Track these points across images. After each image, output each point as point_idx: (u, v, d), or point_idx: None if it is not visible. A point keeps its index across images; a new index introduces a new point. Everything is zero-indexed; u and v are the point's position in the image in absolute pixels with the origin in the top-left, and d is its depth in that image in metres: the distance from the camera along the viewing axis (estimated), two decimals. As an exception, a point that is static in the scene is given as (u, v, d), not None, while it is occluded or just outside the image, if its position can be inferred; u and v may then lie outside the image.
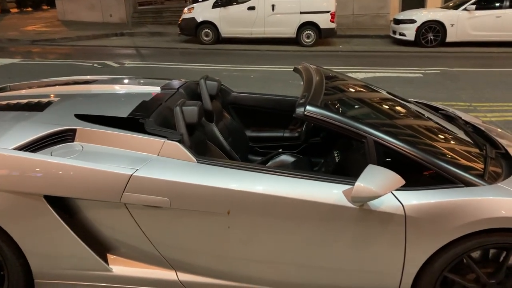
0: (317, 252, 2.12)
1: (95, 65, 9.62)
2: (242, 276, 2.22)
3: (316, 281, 2.19)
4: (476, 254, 2.19)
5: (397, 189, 2.01)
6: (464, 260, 2.11)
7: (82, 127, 2.31)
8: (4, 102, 2.74)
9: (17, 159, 2.11)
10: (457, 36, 11.42)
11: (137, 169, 2.09)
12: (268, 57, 10.74)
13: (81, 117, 2.41)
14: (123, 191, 2.07)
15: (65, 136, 2.29)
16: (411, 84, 7.81)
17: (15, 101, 2.74)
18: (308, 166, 3.08)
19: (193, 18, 12.23)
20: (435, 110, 3.25)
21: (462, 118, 3.13)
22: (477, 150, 2.47)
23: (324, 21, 11.79)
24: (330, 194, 2.04)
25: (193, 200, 2.07)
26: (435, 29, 11.47)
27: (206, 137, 2.81)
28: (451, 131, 2.72)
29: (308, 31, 11.93)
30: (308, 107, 2.13)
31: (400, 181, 1.94)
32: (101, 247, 2.25)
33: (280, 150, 3.32)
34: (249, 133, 3.55)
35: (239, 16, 12.05)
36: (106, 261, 2.23)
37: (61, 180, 2.08)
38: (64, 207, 2.17)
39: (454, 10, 11.45)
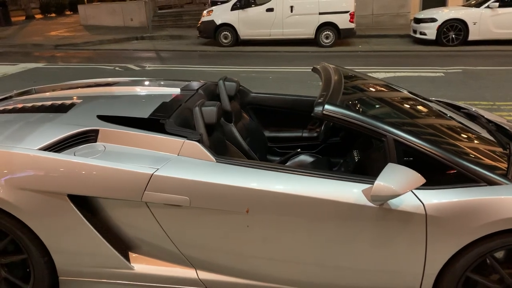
0: (336, 251, 2.11)
1: (117, 68, 9.79)
2: (262, 275, 2.22)
3: (335, 281, 2.18)
4: (500, 255, 2.14)
5: (417, 188, 1.99)
6: (488, 261, 2.07)
7: (105, 128, 2.36)
8: (30, 105, 2.82)
9: (42, 159, 2.17)
10: (480, 34, 11.19)
11: (158, 169, 2.12)
12: (286, 58, 10.73)
13: (103, 118, 2.47)
14: (144, 190, 2.11)
15: (88, 137, 2.35)
16: (432, 83, 7.69)
17: (40, 103, 2.81)
18: (327, 166, 3.06)
19: (212, 21, 12.33)
20: (457, 109, 3.20)
21: (485, 116, 3.07)
22: (501, 149, 2.43)
23: (343, 22, 11.72)
24: (350, 193, 2.03)
25: (213, 199, 2.09)
26: (457, 27, 11.26)
27: (225, 137, 2.83)
28: (473, 130, 2.67)
29: (327, 32, 11.88)
30: (326, 106, 2.12)
31: (420, 179, 1.91)
32: (123, 245, 2.29)
33: (299, 150, 3.32)
34: (267, 133, 3.56)
35: (258, 18, 12.09)
36: (127, 259, 2.27)
37: (84, 180, 2.13)
38: (87, 206, 2.23)
39: (477, 8, 11.23)
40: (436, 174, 2.10)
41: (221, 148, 2.60)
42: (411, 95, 3.05)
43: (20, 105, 2.82)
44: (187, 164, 2.16)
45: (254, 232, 2.13)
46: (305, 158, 3.20)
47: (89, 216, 2.21)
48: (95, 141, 2.34)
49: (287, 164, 3.15)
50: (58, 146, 2.26)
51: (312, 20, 11.83)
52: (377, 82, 3.20)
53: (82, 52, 12.67)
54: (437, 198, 1.98)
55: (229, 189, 2.07)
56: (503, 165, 2.22)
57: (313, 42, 12.04)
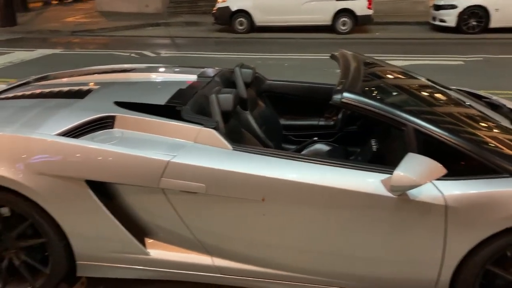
0: (353, 241, 2.09)
1: (133, 55, 9.81)
2: (277, 263, 2.22)
3: (351, 271, 2.17)
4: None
5: (438, 179, 1.95)
6: (508, 253, 2.03)
7: (121, 114, 2.36)
8: (47, 90, 2.83)
9: (60, 144, 2.18)
10: (502, 21, 10.89)
11: (175, 156, 2.12)
12: (302, 45, 10.62)
13: (120, 104, 2.47)
14: (161, 177, 2.11)
15: (105, 123, 2.35)
16: (452, 72, 7.54)
17: (57, 89, 2.83)
18: (344, 155, 3.03)
19: (228, 7, 12.23)
20: (478, 97, 3.12)
21: (508, 106, 2.99)
22: (524, 140, 2.36)
23: (360, 8, 11.55)
24: (367, 183, 2.00)
25: (229, 187, 2.08)
26: (478, 14, 10.98)
27: (240, 125, 2.81)
28: (495, 120, 2.61)
29: (344, 18, 11.71)
30: (345, 94, 2.09)
31: (441, 170, 1.88)
32: (140, 231, 2.30)
33: (316, 138, 3.28)
34: (283, 122, 3.52)
35: (273, 4, 11.95)
36: (144, 244, 2.29)
37: (102, 165, 2.14)
38: (104, 191, 2.24)
39: (499, -6, 10.92)
40: (457, 165, 2.06)
41: (237, 136, 2.58)
42: (430, 83, 2.98)
43: (37, 91, 2.83)
44: (203, 151, 2.16)
45: (270, 220, 2.12)
46: (321, 146, 3.17)
47: (106, 202, 2.22)
48: (112, 127, 2.34)
49: (303, 152, 3.12)
50: (75, 132, 2.27)
51: (329, 6, 11.66)
52: (396, 70, 3.13)
53: (98, 38, 12.71)
54: (458, 189, 1.94)
55: (245, 177, 2.06)
56: (527, 156, 2.15)
57: (330, 28, 11.88)
